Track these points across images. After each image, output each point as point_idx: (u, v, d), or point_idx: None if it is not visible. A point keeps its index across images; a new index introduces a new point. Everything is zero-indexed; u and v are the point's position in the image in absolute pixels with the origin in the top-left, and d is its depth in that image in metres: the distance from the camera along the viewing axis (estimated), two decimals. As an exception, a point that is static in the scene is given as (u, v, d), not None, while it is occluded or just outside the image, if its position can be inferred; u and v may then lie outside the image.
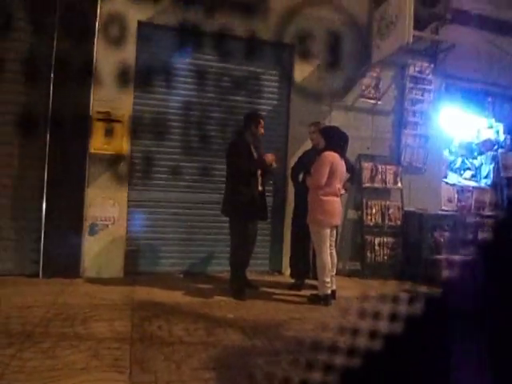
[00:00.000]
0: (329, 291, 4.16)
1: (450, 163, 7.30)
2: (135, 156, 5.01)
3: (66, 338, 2.92)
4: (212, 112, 5.27)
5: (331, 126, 4.85)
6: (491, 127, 7.42)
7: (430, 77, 6.16)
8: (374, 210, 5.77)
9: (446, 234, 5.43)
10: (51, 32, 4.56)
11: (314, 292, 4.29)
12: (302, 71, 5.58)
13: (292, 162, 5.17)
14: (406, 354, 0.57)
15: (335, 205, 4.26)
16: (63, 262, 4.63)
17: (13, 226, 4.63)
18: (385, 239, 5.74)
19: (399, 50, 5.37)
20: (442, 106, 6.37)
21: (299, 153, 5.09)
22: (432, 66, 6.16)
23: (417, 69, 6.11)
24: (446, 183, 6.64)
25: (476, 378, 0.53)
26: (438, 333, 0.56)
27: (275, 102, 5.61)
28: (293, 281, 4.85)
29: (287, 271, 5.20)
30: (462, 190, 6.70)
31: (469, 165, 7.51)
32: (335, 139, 4.30)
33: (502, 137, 7.31)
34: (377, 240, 5.71)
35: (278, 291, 4.58)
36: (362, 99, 5.90)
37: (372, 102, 5.95)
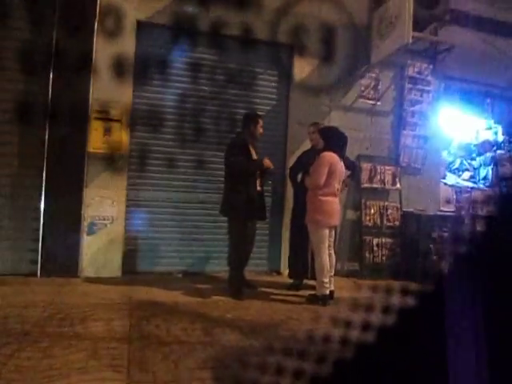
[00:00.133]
0: (327, 291, 4.17)
1: (449, 164, 7.32)
2: (134, 155, 5.00)
3: (63, 338, 2.92)
4: (210, 112, 5.27)
5: (330, 126, 4.86)
6: (490, 128, 7.44)
7: (429, 78, 6.17)
8: (372, 211, 5.78)
9: (445, 234, 5.43)
10: (51, 24, 4.55)
11: (312, 292, 4.29)
12: (301, 71, 5.58)
13: (291, 162, 5.17)
14: (402, 344, 0.58)
15: (334, 205, 4.27)
16: (61, 262, 4.63)
17: (11, 226, 4.61)
18: (383, 240, 5.74)
19: (398, 51, 5.38)
20: (441, 107, 6.38)
21: (298, 153, 5.09)
22: (431, 66, 6.17)
23: (416, 69, 6.12)
24: (445, 184, 6.65)
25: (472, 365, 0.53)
26: (435, 322, 0.56)
27: (274, 102, 5.62)
28: (291, 281, 4.85)
29: (285, 271, 5.20)
30: (460, 191, 6.71)
31: (467, 166, 7.53)
32: (334, 140, 4.30)
33: (500, 138, 7.32)
34: (375, 240, 5.71)
35: (276, 291, 4.58)
36: (361, 100, 5.91)
37: (371, 102, 5.96)
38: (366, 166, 5.83)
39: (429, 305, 0.59)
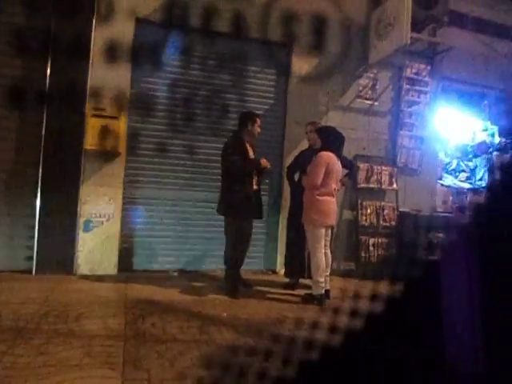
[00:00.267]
0: (322, 291, 4.17)
1: (446, 165, 7.34)
2: (131, 152, 4.99)
3: (58, 335, 2.91)
4: (209, 111, 5.26)
5: (328, 126, 4.86)
6: (487, 130, 7.47)
7: (426, 79, 6.19)
8: (368, 211, 5.79)
9: (441, 235, 5.45)
10: (47, 10, 4.52)
11: (308, 291, 4.30)
12: (299, 71, 5.58)
13: (288, 161, 5.17)
14: (396, 335, 0.58)
15: (330, 205, 4.27)
16: (57, 259, 4.62)
17: (6, 222, 4.60)
18: (379, 240, 5.75)
19: (396, 52, 5.40)
20: (438, 108, 6.40)
21: (295, 152, 5.10)
22: (429, 67, 6.19)
23: (414, 70, 6.13)
24: (441, 185, 6.67)
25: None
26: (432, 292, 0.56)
27: (272, 101, 5.61)
28: (287, 280, 4.85)
29: (282, 270, 5.21)
30: (456, 192, 6.74)
31: (464, 167, 7.56)
32: (331, 139, 4.31)
33: (497, 139, 7.35)
34: (371, 240, 5.72)
35: (272, 290, 4.58)
36: (359, 100, 5.91)
37: (368, 102, 5.96)
38: (362, 166, 5.84)
39: (423, 294, 0.59)
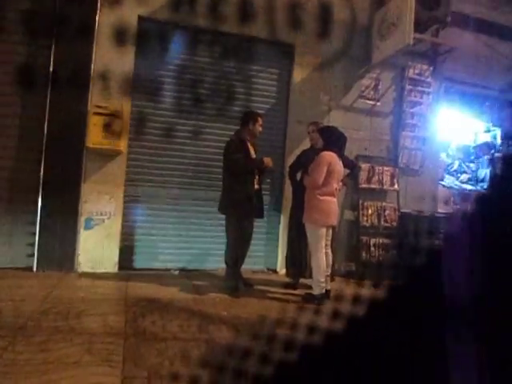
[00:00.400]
0: (323, 291, 4.17)
1: (447, 166, 7.33)
2: (132, 151, 5.00)
3: (59, 332, 2.91)
4: (211, 111, 5.26)
5: (330, 125, 4.85)
6: (489, 131, 7.46)
7: (429, 79, 6.18)
8: (370, 211, 5.78)
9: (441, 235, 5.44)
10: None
11: (309, 291, 4.29)
12: (301, 70, 5.58)
13: (290, 160, 5.17)
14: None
15: (331, 205, 4.26)
16: (58, 256, 4.62)
17: (8, 220, 4.60)
18: (380, 240, 5.75)
19: (399, 52, 5.39)
20: (441, 109, 6.39)
21: (297, 152, 5.09)
22: (431, 68, 6.18)
23: (416, 71, 6.12)
24: (443, 186, 6.66)
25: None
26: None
27: (274, 101, 5.61)
28: (288, 280, 4.85)
29: (282, 270, 5.21)
30: (458, 193, 6.73)
31: (465, 168, 7.55)
32: (333, 139, 4.30)
33: (499, 141, 7.34)
34: (372, 241, 5.72)
35: (272, 289, 4.58)
36: (361, 100, 5.91)
37: (371, 103, 5.96)
38: (364, 166, 5.83)
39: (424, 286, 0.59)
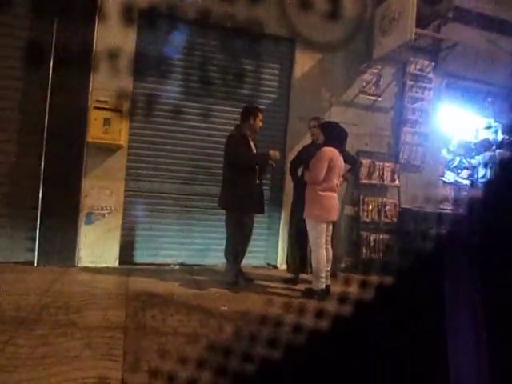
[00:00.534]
0: (323, 286, 4.18)
1: (448, 162, 7.32)
2: (133, 146, 4.99)
3: (59, 326, 2.92)
4: (211, 105, 5.25)
5: (331, 121, 4.84)
6: (490, 127, 7.44)
7: (430, 75, 6.16)
8: (370, 207, 5.79)
9: (442, 231, 5.45)
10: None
11: (309, 286, 4.30)
12: (302, 65, 5.56)
13: (291, 156, 5.16)
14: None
15: (332, 200, 4.26)
16: (59, 251, 4.63)
17: (8, 214, 4.61)
18: (380, 236, 5.75)
19: (401, 47, 5.36)
20: (442, 105, 6.37)
21: (298, 147, 5.09)
22: (433, 64, 6.15)
23: (418, 66, 6.10)
24: (444, 182, 6.65)
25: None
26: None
27: (275, 96, 5.60)
28: (288, 275, 4.86)
29: (283, 265, 5.22)
30: (459, 189, 6.72)
31: (466, 164, 7.53)
32: (334, 135, 4.29)
33: (500, 137, 7.32)
34: (372, 236, 5.72)
35: (273, 285, 4.59)
36: (362, 95, 5.89)
37: (372, 98, 5.94)
38: (365, 161, 5.83)
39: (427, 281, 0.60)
